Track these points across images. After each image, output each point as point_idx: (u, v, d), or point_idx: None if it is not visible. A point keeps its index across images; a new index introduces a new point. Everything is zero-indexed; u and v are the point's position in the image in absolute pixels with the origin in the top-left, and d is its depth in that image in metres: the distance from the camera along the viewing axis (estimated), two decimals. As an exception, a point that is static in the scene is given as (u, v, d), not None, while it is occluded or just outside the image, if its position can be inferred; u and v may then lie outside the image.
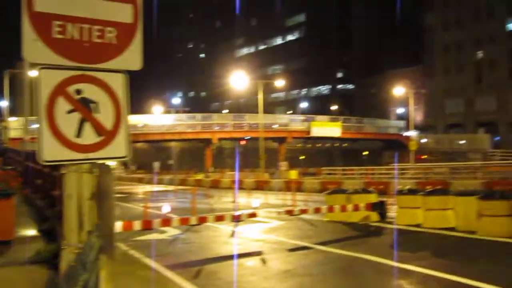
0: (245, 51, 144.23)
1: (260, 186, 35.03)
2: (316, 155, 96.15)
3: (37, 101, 4.03)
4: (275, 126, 67.37)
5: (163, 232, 14.65)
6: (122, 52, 4.17)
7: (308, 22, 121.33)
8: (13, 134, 47.84)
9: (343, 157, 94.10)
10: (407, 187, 20.61)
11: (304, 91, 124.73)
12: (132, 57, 4.22)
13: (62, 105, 4.04)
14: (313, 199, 25.91)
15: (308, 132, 68.52)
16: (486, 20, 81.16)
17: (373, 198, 16.71)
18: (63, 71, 4.07)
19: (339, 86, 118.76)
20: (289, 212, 16.12)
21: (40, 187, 16.39)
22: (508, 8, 77.87)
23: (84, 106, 4.09)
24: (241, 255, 11.29)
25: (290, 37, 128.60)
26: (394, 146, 73.46)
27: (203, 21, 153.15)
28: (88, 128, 4.07)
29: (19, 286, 7.47)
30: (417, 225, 14.70)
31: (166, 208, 14.56)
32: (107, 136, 4.12)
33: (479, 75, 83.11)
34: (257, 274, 9.17)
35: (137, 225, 11.94)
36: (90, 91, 4.11)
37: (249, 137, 70.57)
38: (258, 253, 11.37)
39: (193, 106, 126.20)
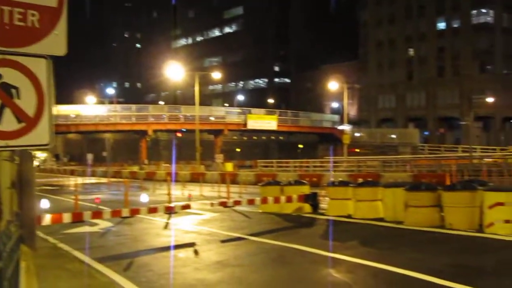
0: (182, 42, 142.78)
1: (196, 179, 34.88)
2: (253, 148, 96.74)
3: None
4: (212, 119, 67.12)
5: (94, 224, 14.37)
6: (45, 37, 4.02)
7: (246, 15, 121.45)
8: None
9: (279, 150, 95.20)
10: (339, 179, 21.12)
11: (241, 84, 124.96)
12: (56, 42, 4.07)
13: (-19, 90, 3.87)
14: (248, 191, 26.04)
15: (245, 125, 68.72)
16: (417, 19, 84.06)
17: (306, 189, 17.00)
18: (-19, 54, 3.90)
19: (276, 80, 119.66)
20: (223, 204, 16.16)
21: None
22: (438, 7, 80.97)
23: (4, 92, 3.92)
24: (173, 247, 11.24)
25: (227, 30, 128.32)
26: (329, 140, 74.85)
27: (139, 10, 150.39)
28: (8, 114, 3.90)
29: None
30: (348, 216, 15.09)
31: (97, 200, 14.23)
32: (28, 123, 3.96)
33: (410, 72, 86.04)
34: (189, 265, 9.15)
35: (66, 217, 11.56)
36: (10, 76, 3.94)
37: (185, 129, 70.01)
38: (191, 245, 11.34)
39: (128, 97, 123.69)
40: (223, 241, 11.73)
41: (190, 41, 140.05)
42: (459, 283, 7.25)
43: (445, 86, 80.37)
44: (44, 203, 11.67)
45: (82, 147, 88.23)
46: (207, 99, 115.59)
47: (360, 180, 18.09)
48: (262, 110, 74.63)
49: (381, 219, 14.11)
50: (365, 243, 11.28)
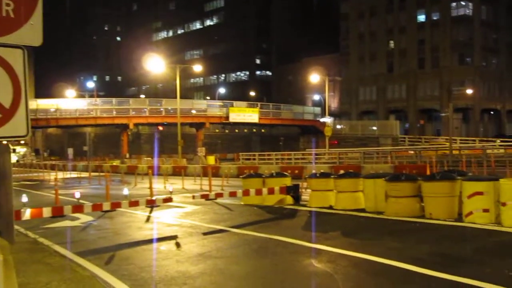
0: (163, 35, 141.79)
1: (178, 172, 34.76)
2: (234, 141, 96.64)
3: None
4: (193, 112, 66.79)
5: (75, 219, 14.26)
6: (21, 27, 3.96)
7: (227, 7, 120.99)
8: None
9: (261, 142, 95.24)
10: (321, 171, 21.20)
11: (222, 77, 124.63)
12: (32, 33, 4.02)
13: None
14: (230, 184, 26.08)
15: (227, 118, 68.55)
16: (398, 11, 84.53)
17: (288, 181, 17.04)
18: (-44, 45, 3.84)
19: (258, 73, 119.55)
20: (205, 197, 16.13)
21: None
22: (418, 0, 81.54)
23: (-21, 83, 3.87)
24: (155, 240, 11.22)
25: (209, 22, 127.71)
26: (311, 132, 75.10)
27: (119, 3, 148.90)
28: (-17, 105, 3.86)
29: None
30: (329, 207, 15.18)
31: (77, 194, 14.11)
32: (4, 114, 3.91)
33: (391, 64, 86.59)
34: (170, 258, 9.13)
35: (46, 212, 11.43)
36: (-14, 66, 3.90)
37: (166, 123, 69.64)
38: (172, 238, 11.32)
39: (109, 90, 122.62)
40: (205, 234, 11.71)
41: (171, 33, 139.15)
42: (439, 271, 7.34)
43: (425, 78, 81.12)
44: (24, 198, 11.51)
45: (62, 141, 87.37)
46: (188, 92, 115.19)
47: (342, 171, 18.18)
48: (244, 103, 74.51)
49: (362, 210, 14.21)
50: (346, 233, 11.37)
